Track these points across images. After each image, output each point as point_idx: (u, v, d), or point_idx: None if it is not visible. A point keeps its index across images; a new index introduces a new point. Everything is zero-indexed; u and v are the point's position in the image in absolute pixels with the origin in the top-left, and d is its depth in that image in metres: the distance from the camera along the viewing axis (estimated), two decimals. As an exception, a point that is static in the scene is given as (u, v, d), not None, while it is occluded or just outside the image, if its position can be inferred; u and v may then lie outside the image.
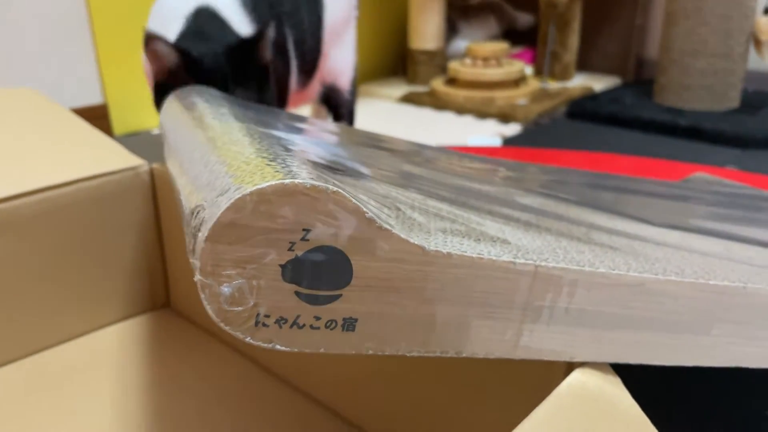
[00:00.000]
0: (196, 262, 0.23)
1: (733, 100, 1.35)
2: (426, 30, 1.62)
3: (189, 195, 0.29)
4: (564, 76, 1.62)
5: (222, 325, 0.23)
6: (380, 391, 0.44)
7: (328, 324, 0.25)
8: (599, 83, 1.62)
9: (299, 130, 0.48)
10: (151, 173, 0.60)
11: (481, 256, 0.26)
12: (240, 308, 0.23)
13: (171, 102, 0.52)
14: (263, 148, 0.30)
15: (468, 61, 1.53)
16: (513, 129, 1.35)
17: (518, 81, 1.53)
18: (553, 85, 1.59)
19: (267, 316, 0.23)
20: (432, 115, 1.49)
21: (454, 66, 1.54)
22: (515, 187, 0.49)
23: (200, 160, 0.32)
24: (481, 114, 1.44)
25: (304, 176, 0.24)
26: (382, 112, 1.53)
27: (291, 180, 0.23)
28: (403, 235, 0.25)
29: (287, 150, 0.32)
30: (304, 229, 0.23)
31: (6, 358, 0.54)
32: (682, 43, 1.33)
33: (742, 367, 0.35)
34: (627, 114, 1.34)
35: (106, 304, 0.60)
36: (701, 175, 0.90)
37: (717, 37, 1.29)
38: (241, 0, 0.82)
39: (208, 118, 0.40)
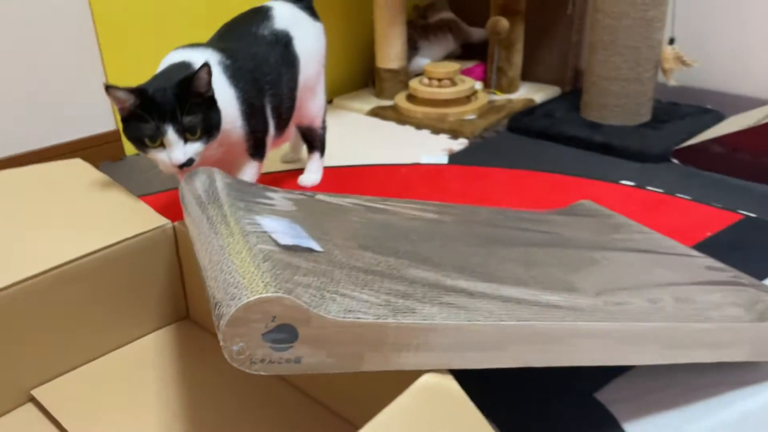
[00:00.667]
0: (220, 335, 0.49)
1: (645, 116, 1.61)
2: (389, 51, 1.85)
3: (211, 288, 0.55)
4: (510, 88, 1.87)
5: (233, 364, 0.50)
6: (352, 392, 0.72)
7: (287, 360, 0.52)
8: (541, 93, 1.87)
9: (275, 211, 0.73)
10: (174, 229, 0.86)
11: (364, 320, 0.53)
12: (242, 356, 0.50)
13: (186, 186, 0.77)
14: (256, 260, 0.57)
15: (425, 80, 1.77)
16: (461, 143, 1.61)
17: (470, 97, 1.77)
18: (500, 97, 1.84)
19: (255, 359, 0.50)
20: (395, 128, 1.74)
21: (413, 84, 1.78)
22: (411, 257, 0.74)
23: (217, 264, 0.58)
24: (436, 129, 1.69)
25: (273, 289, 0.50)
26: (352, 125, 1.78)
27: (266, 294, 0.49)
28: (321, 313, 0.51)
29: (268, 254, 0.58)
30: (273, 317, 0.50)
31: (81, 361, 0.81)
32: (600, 69, 1.58)
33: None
34: (553, 129, 1.60)
35: (144, 320, 0.87)
36: (585, 202, 1.17)
37: (628, 65, 1.54)
38: (223, 68, 1.04)
39: (219, 225, 0.65)
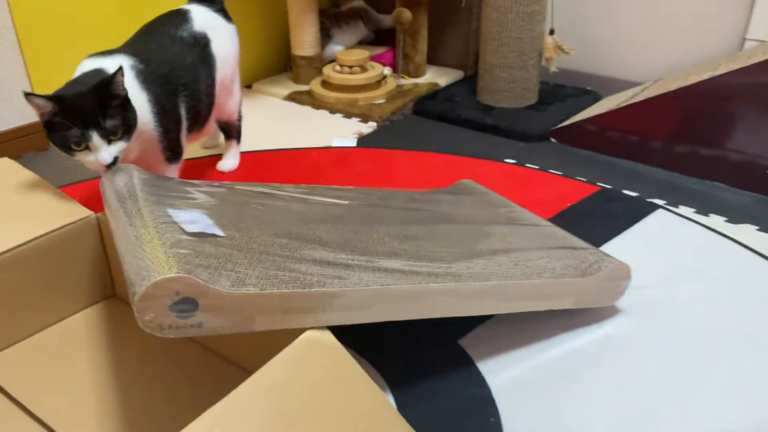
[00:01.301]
0: (134, 308, 0.64)
1: (531, 99, 1.81)
2: (303, 39, 1.97)
3: (127, 271, 0.69)
4: (417, 73, 2.03)
5: (145, 330, 0.65)
6: (250, 347, 0.88)
7: (191, 325, 0.67)
8: (446, 77, 2.03)
9: (190, 203, 0.87)
10: (97, 219, 0.98)
11: (253, 291, 0.68)
12: (153, 324, 0.65)
13: (107, 182, 0.90)
14: (164, 246, 0.71)
15: (337, 67, 1.90)
16: (371, 127, 1.76)
17: (380, 82, 1.92)
18: (407, 82, 2.00)
19: (164, 325, 0.65)
20: (310, 113, 1.87)
21: (326, 71, 1.91)
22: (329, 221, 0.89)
23: (132, 252, 0.72)
24: (348, 114, 1.83)
25: (175, 270, 0.65)
26: (269, 110, 1.90)
27: (170, 275, 0.64)
28: (217, 287, 0.66)
29: (176, 241, 0.73)
30: (176, 292, 0.65)
31: (21, 336, 0.94)
32: (490, 58, 1.76)
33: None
34: (452, 113, 1.78)
35: (76, 300, 0.99)
36: (466, 181, 1.34)
37: (514, 54, 1.72)
38: (136, 72, 1.14)
39: (135, 218, 0.79)
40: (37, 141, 1.65)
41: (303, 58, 1.99)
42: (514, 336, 0.98)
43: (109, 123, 1.00)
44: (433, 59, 2.12)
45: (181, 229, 0.79)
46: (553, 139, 1.66)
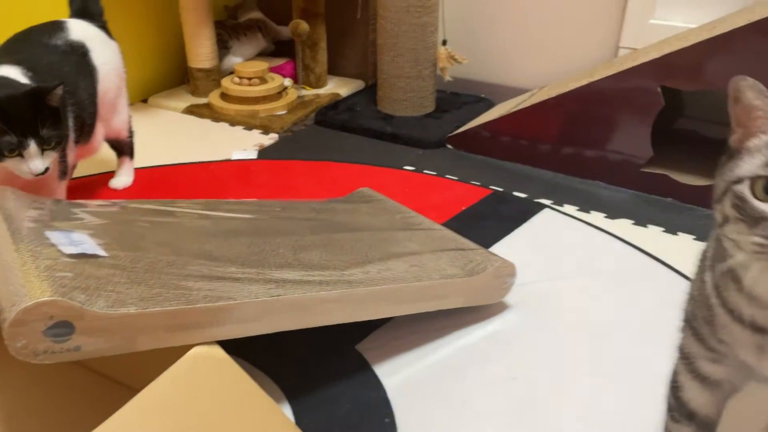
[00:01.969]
0: (5, 335, 0.61)
1: (429, 107, 1.87)
2: (200, 51, 1.94)
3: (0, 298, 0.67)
4: (318, 84, 2.04)
5: (18, 357, 0.62)
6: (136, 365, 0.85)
7: (68, 349, 0.65)
8: (347, 88, 2.07)
9: (78, 218, 0.84)
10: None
11: (132, 311, 0.67)
12: (25, 350, 0.63)
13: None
14: (38, 270, 0.68)
15: (236, 79, 1.89)
16: (272, 138, 1.76)
17: (280, 93, 1.92)
18: (309, 92, 2.01)
19: (38, 351, 0.63)
20: (210, 126, 1.85)
21: (225, 83, 1.89)
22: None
23: (4, 278, 0.69)
24: (249, 126, 1.82)
25: (48, 294, 0.63)
26: (167, 124, 1.86)
27: (42, 299, 0.62)
28: (94, 309, 0.65)
29: (52, 264, 0.70)
30: (50, 316, 0.63)
31: None
32: (388, 68, 1.80)
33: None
34: (353, 122, 1.81)
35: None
36: (363, 189, 1.37)
37: (410, 64, 1.78)
38: (24, 74, 1.11)
39: (7, 242, 0.76)
40: None
41: (200, 70, 1.96)
42: (409, 337, 1.01)
43: (46, 132, 1.02)
44: (334, 70, 2.14)
45: (59, 251, 0.77)
46: (449, 146, 1.73)
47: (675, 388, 0.68)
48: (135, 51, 1.98)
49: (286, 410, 0.87)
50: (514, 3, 1.91)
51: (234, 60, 2.06)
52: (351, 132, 1.81)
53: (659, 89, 1.40)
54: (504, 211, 1.40)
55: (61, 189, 1.21)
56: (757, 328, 0.55)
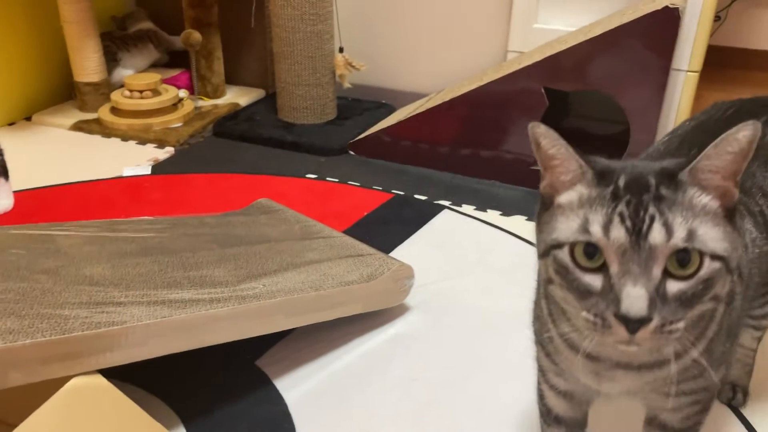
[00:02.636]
0: None
1: (330, 114, 1.87)
2: (86, 64, 1.85)
3: None
4: (216, 94, 2.00)
5: None
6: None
7: None
8: (246, 97, 2.03)
9: None
10: None
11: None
12: None
13: None
14: None
15: (126, 92, 1.81)
16: (167, 152, 1.70)
17: (175, 105, 1.86)
18: (207, 103, 1.96)
19: None
20: (100, 142, 1.76)
21: (114, 97, 1.81)
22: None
23: None
24: (142, 140, 1.75)
25: None
26: (52, 142, 1.76)
27: None
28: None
29: None
30: None
31: None
32: (285, 76, 1.79)
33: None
34: (253, 132, 1.78)
35: None
36: (262, 200, 1.35)
37: (308, 72, 1.77)
38: None
39: None
40: None
41: (88, 84, 1.87)
42: (310, 348, 1.01)
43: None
44: (233, 79, 2.10)
45: None
46: (351, 152, 1.73)
47: (540, 396, 0.70)
48: (16, 66, 1.85)
49: (182, 434, 0.84)
50: (407, 11, 1.95)
51: (125, 72, 1.97)
52: (251, 142, 1.77)
53: (543, 90, 1.47)
54: (405, 214, 1.42)
55: None
56: (592, 357, 0.55)
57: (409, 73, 2.02)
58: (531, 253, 1.27)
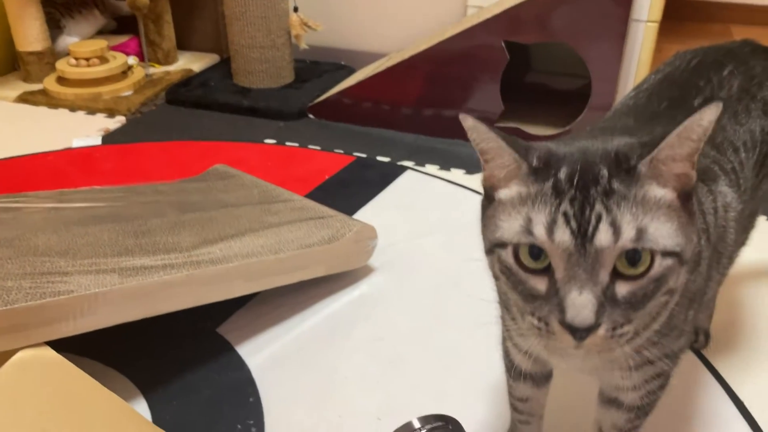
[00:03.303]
0: None
1: (287, 77, 1.82)
2: (28, 33, 1.75)
3: None
4: (167, 60, 1.92)
5: None
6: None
7: None
8: (200, 62, 1.96)
9: None
10: None
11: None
12: None
13: None
14: None
15: (72, 60, 1.72)
16: (118, 122, 1.63)
17: (125, 73, 1.78)
18: (158, 70, 1.89)
19: None
20: (47, 113, 1.68)
21: (60, 66, 1.73)
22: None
23: None
24: (91, 110, 1.68)
25: None
26: (-3, 116, 1.67)
27: None
28: None
29: None
30: None
31: None
32: (239, 39, 1.73)
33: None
34: (208, 98, 1.72)
35: None
36: (219, 166, 1.31)
37: (262, 33, 1.71)
38: None
39: None
40: None
41: (31, 54, 1.77)
42: (274, 313, 0.98)
43: None
44: (185, 44, 2.02)
45: None
46: (311, 115, 1.69)
47: (504, 352, 0.68)
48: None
49: (141, 405, 0.81)
50: (364, -33, 1.89)
51: (69, 40, 1.87)
52: (206, 108, 1.71)
53: (503, 44, 1.44)
54: (368, 176, 1.40)
55: None
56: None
57: (368, 32, 1.97)
58: (495, 210, 1.27)
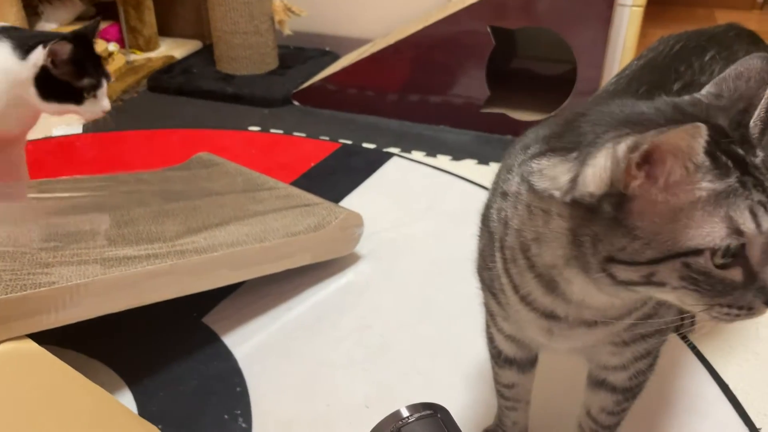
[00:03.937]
0: None
1: (271, 63, 1.79)
2: (5, 19, 1.70)
3: None
4: (149, 47, 1.89)
5: None
6: None
7: None
8: (182, 49, 1.93)
9: None
10: None
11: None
12: None
13: None
14: None
15: (51, 47, 1.69)
16: (100, 109, 1.60)
17: (106, 59, 1.75)
18: (139, 57, 1.85)
19: None
20: (26, 102, 1.64)
21: (38, 53, 1.69)
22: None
23: None
24: (71, 97, 1.65)
25: None
26: (-25, 104, 1.63)
27: None
28: None
29: None
30: None
31: None
32: (221, 24, 1.70)
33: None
34: (191, 85, 1.70)
35: None
36: (202, 154, 1.29)
37: (245, 19, 1.69)
38: None
39: None
40: None
41: (8, 39, 1.73)
42: (260, 302, 0.97)
43: (107, 71, 1.00)
44: (167, 31, 1.99)
45: None
46: (296, 102, 1.67)
47: (489, 338, 0.68)
48: None
49: (127, 397, 0.80)
50: (347, -49, 1.87)
51: (48, 26, 1.83)
52: (189, 96, 1.69)
53: (489, 29, 1.43)
54: (353, 163, 1.39)
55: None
56: (548, 315, 0.52)
57: (352, 18, 1.95)
58: (482, 197, 1.26)
